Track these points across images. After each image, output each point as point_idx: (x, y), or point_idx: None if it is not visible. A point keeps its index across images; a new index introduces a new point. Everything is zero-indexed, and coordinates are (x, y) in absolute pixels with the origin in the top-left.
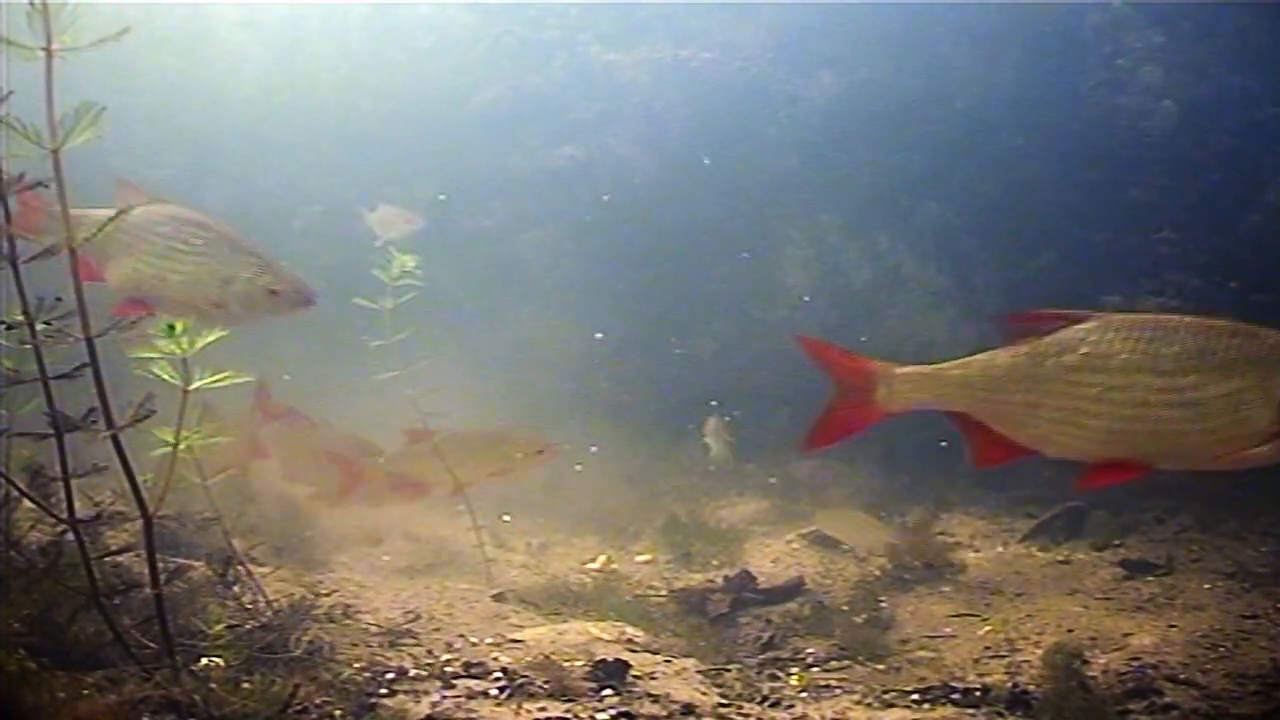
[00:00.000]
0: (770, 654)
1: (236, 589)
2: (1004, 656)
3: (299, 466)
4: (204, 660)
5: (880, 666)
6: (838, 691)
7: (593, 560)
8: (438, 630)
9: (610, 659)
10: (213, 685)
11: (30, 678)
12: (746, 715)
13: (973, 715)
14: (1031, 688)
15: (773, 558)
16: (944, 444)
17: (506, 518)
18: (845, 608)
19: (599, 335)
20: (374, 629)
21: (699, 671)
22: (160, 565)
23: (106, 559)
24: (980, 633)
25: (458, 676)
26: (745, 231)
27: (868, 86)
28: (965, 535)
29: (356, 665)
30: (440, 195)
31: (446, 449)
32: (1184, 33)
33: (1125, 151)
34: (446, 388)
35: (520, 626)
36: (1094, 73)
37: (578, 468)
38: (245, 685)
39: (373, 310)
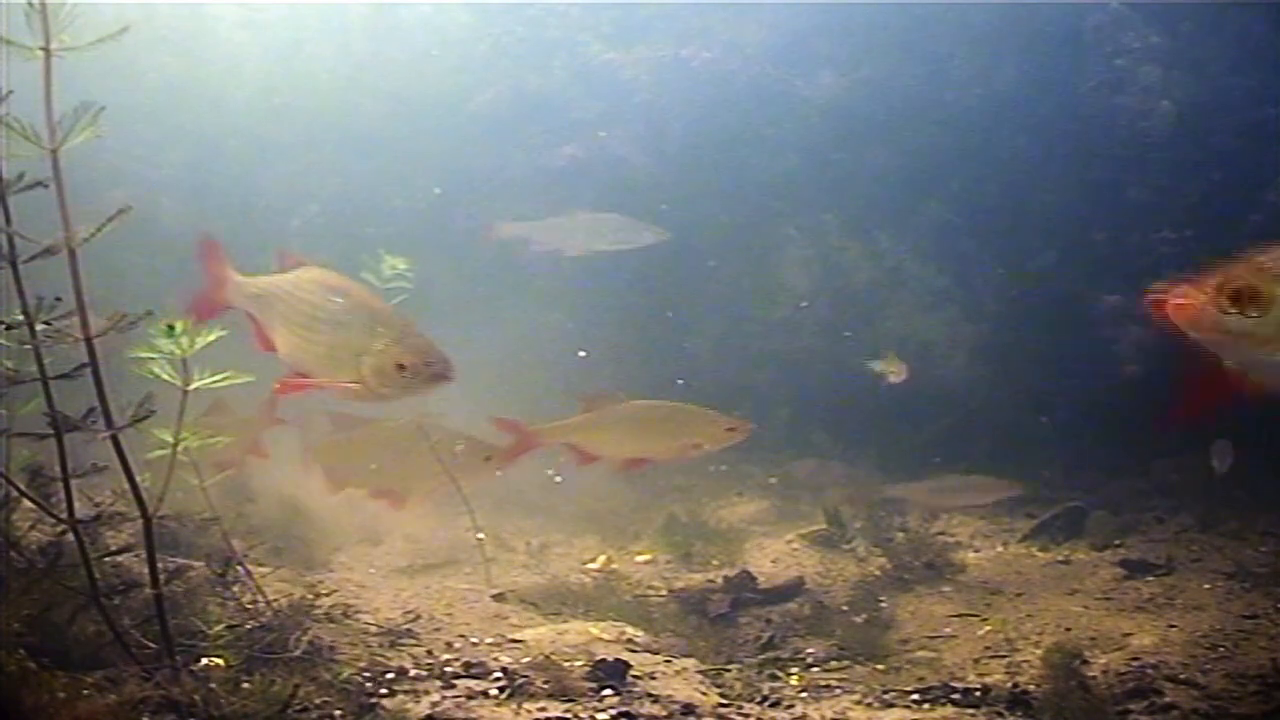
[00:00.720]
0: (770, 654)
1: (236, 589)
2: (1004, 656)
3: (349, 471)
4: (204, 660)
5: (880, 666)
6: (838, 691)
7: (593, 560)
8: (438, 630)
9: (610, 659)
10: (213, 685)
11: (30, 678)
12: (746, 715)
13: (973, 715)
14: (1031, 688)
15: (773, 558)
16: (937, 460)
17: (480, 535)
18: (845, 608)
19: (581, 353)
20: (374, 629)
21: (699, 671)
22: (160, 565)
23: (106, 559)
24: (980, 633)
25: (458, 676)
26: (745, 231)
27: (868, 86)
28: (965, 535)
29: (356, 665)
30: (436, 189)
31: (628, 422)
32: (1184, 33)
33: (1125, 151)
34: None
35: (520, 626)
36: (1093, 73)
37: (558, 480)
38: (245, 685)
39: None
